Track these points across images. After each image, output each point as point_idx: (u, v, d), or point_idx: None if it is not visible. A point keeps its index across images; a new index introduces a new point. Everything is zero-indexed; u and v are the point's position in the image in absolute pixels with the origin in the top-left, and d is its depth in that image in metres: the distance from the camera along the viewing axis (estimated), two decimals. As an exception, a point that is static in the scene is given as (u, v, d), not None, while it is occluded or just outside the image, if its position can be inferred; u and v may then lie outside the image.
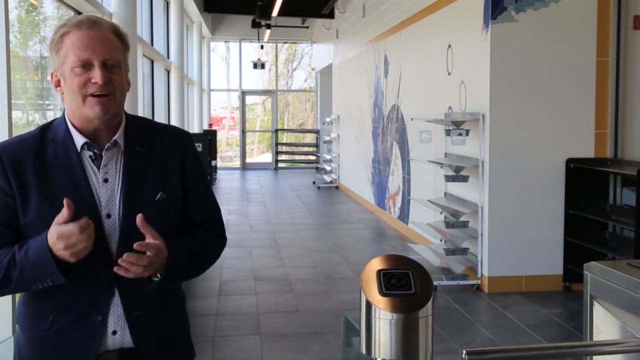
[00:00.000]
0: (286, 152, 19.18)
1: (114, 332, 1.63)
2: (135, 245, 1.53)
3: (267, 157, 19.60)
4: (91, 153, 1.64)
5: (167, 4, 11.33)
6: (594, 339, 1.55)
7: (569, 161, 5.66)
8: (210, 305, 5.17)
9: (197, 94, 15.55)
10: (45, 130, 1.68)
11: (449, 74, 6.70)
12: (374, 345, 1.05)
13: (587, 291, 1.57)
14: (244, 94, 18.78)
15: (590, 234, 5.58)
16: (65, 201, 1.51)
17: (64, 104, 1.66)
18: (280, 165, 18.63)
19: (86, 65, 1.58)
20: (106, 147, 1.64)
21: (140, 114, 6.46)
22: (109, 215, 1.63)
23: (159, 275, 1.61)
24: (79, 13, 5.47)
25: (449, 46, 6.71)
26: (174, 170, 1.71)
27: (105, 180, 1.64)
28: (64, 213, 1.51)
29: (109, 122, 1.64)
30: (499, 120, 5.69)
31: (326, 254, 7.34)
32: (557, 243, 5.71)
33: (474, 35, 5.96)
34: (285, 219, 9.90)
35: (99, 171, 1.64)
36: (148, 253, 1.54)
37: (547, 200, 5.71)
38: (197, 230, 1.75)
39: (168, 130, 1.79)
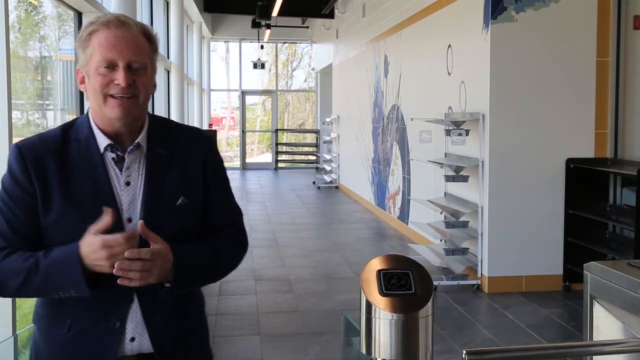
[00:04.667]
0: (286, 152, 19.18)
1: (132, 339, 1.61)
2: (126, 254, 1.49)
3: (267, 157, 19.59)
4: (114, 155, 1.62)
5: (167, 4, 11.33)
6: (594, 339, 1.55)
7: (569, 161, 5.66)
8: (211, 305, 5.18)
9: (197, 94, 15.55)
10: (67, 129, 1.65)
11: (449, 74, 6.70)
12: (374, 345, 1.05)
13: (587, 291, 1.57)
14: (244, 94, 18.78)
15: (590, 234, 5.58)
16: (105, 210, 1.50)
17: (89, 103, 1.64)
18: (280, 165, 18.63)
19: (111, 66, 1.56)
20: (129, 149, 1.62)
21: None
22: (130, 220, 1.60)
23: (169, 281, 1.58)
24: (79, 13, 5.47)
25: (449, 46, 6.71)
26: (195, 174, 1.68)
27: (127, 184, 1.62)
28: (105, 222, 1.49)
29: (130, 124, 1.61)
30: (499, 120, 5.69)
31: (326, 254, 7.34)
32: (557, 243, 5.71)
33: (474, 35, 5.96)
34: (285, 219, 9.90)
35: (121, 174, 1.62)
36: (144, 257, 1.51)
37: (547, 200, 5.71)
38: (215, 235, 1.71)
39: (190, 132, 1.76)
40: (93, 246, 1.48)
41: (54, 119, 5.77)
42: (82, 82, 1.63)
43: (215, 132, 15.42)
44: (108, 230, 1.51)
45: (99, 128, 1.62)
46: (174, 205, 1.63)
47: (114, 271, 1.49)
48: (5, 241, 1.57)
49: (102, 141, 1.61)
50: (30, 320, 1.67)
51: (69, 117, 5.73)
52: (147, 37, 1.62)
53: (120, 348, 1.59)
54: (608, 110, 5.71)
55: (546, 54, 5.67)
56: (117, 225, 1.55)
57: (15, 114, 4.52)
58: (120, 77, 1.55)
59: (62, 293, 1.54)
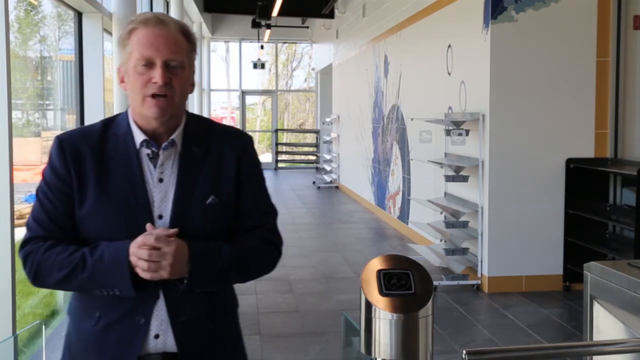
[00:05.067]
0: (286, 152, 19.18)
1: (157, 336, 1.60)
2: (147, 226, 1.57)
3: (267, 157, 19.58)
4: (149, 151, 1.63)
5: (167, 4, 11.33)
6: (594, 339, 1.55)
7: (569, 161, 5.66)
8: (210, 305, 5.14)
9: (197, 94, 15.55)
10: (108, 124, 1.68)
11: (449, 74, 6.70)
12: (374, 345, 1.05)
13: (587, 291, 1.57)
14: (244, 94, 18.78)
15: (590, 234, 5.58)
16: (148, 226, 1.58)
17: (128, 101, 1.67)
18: (280, 165, 18.63)
19: (148, 64, 1.57)
20: (163, 146, 1.63)
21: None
22: (160, 216, 1.62)
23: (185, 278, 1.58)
24: (79, 13, 5.47)
25: (449, 46, 6.71)
26: (228, 173, 1.68)
27: (160, 180, 1.63)
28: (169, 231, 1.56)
29: (167, 122, 1.63)
30: (499, 120, 5.69)
31: (326, 254, 7.34)
32: (557, 243, 5.71)
33: (474, 35, 5.96)
34: (285, 218, 9.90)
35: (155, 170, 1.63)
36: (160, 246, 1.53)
37: (547, 200, 5.71)
38: (244, 235, 1.70)
39: (227, 132, 1.76)
40: (141, 248, 1.53)
41: (54, 119, 5.78)
42: (122, 80, 1.65)
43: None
44: (139, 227, 1.56)
45: (137, 125, 1.64)
46: (204, 204, 1.63)
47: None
48: (45, 231, 1.60)
49: (139, 137, 1.64)
50: (30, 321, 1.67)
51: (69, 117, 5.72)
52: (185, 36, 1.64)
53: (144, 345, 1.60)
54: (608, 110, 5.71)
55: (546, 54, 5.67)
56: (147, 222, 1.59)
57: (15, 114, 4.52)
58: (157, 75, 1.57)
59: (105, 291, 1.57)
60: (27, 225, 1.64)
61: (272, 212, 1.78)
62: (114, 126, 1.67)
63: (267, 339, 4.56)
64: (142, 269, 1.52)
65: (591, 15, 5.66)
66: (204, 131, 1.71)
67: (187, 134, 1.67)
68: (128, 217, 1.59)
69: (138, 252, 1.52)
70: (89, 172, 1.60)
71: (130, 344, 1.59)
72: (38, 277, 1.60)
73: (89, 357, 1.63)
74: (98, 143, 1.63)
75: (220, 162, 1.68)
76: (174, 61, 1.59)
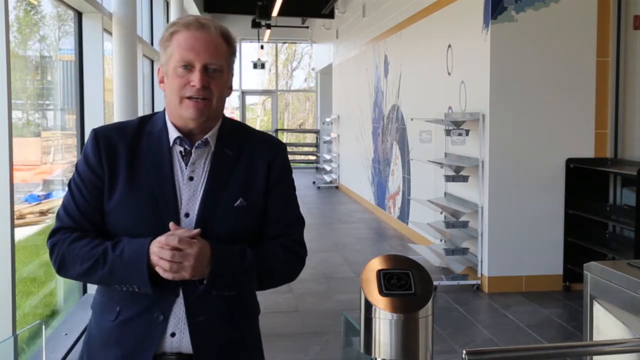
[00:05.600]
0: (286, 152, 19.17)
1: (173, 334, 1.60)
2: (170, 225, 1.57)
3: (267, 157, 19.59)
4: (182, 149, 1.65)
5: (167, 4, 11.33)
6: (594, 339, 1.55)
7: (569, 161, 5.66)
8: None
9: (197, 94, 15.55)
10: (145, 121, 1.71)
11: (449, 74, 6.70)
12: (374, 345, 1.05)
13: (587, 291, 1.57)
14: (244, 94, 18.78)
15: (590, 234, 5.58)
16: (171, 225, 1.57)
17: (165, 101, 1.69)
18: (280, 165, 18.62)
19: (188, 67, 1.59)
20: (196, 144, 1.64)
21: (140, 113, 6.46)
22: (187, 215, 1.62)
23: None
24: (79, 13, 5.47)
25: (449, 46, 6.71)
26: (258, 178, 1.68)
27: (190, 179, 1.64)
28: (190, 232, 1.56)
29: (203, 124, 1.64)
30: (499, 120, 5.69)
31: (326, 254, 7.34)
32: (557, 243, 5.71)
33: (474, 35, 5.96)
34: (285, 219, 9.89)
35: (186, 168, 1.64)
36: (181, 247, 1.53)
37: (547, 200, 5.71)
38: (269, 243, 1.69)
39: (261, 138, 1.76)
40: (162, 247, 1.53)
41: (54, 119, 5.78)
42: (162, 81, 1.67)
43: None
44: (164, 223, 1.57)
45: (173, 124, 1.66)
46: (232, 206, 1.63)
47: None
48: (73, 222, 1.62)
49: (173, 134, 1.65)
50: (30, 321, 1.67)
51: (69, 117, 5.72)
52: (225, 40, 1.65)
53: (161, 342, 1.60)
54: (608, 110, 5.71)
55: (546, 54, 5.67)
56: (173, 219, 1.59)
57: (16, 114, 4.52)
58: (196, 78, 1.58)
59: (124, 286, 1.59)
60: (57, 215, 1.66)
61: (299, 222, 1.77)
62: (150, 123, 1.69)
63: (267, 339, 4.54)
64: (164, 269, 1.52)
65: (591, 16, 5.66)
66: (238, 135, 1.73)
67: (220, 136, 1.69)
68: (154, 213, 1.60)
69: (160, 252, 1.52)
70: (121, 166, 1.62)
71: (148, 340, 1.60)
72: (62, 268, 1.62)
73: (108, 352, 1.64)
74: (133, 138, 1.65)
75: (251, 166, 1.68)
76: (213, 65, 1.60)
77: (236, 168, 1.67)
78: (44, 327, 2.93)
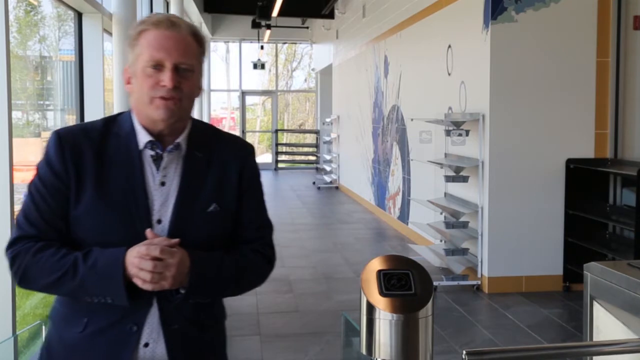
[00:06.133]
0: (286, 153, 19.17)
1: (146, 345, 1.56)
2: (146, 232, 1.51)
3: (267, 158, 19.58)
4: (153, 153, 1.59)
5: (167, 4, 11.33)
6: (594, 339, 1.55)
7: (569, 161, 5.66)
8: (210, 305, 5.14)
9: (197, 94, 15.54)
10: (110, 122, 1.63)
11: (449, 74, 6.70)
12: (374, 345, 1.05)
13: (587, 291, 1.57)
14: (244, 94, 18.78)
15: (590, 234, 5.58)
16: (148, 232, 1.51)
17: (130, 102, 1.62)
18: (280, 165, 18.63)
19: (158, 67, 1.54)
20: (168, 149, 1.60)
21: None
22: (159, 221, 1.57)
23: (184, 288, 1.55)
24: (79, 13, 5.47)
25: (449, 46, 6.71)
26: (230, 182, 1.65)
27: (162, 184, 1.59)
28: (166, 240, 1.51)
29: (173, 125, 1.59)
30: (499, 121, 5.69)
31: (326, 254, 7.34)
32: (557, 243, 5.71)
33: (474, 35, 5.96)
34: (285, 219, 9.89)
35: (157, 173, 1.59)
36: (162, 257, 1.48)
37: (547, 200, 5.71)
38: (242, 248, 1.66)
39: (230, 140, 1.73)
40: (135, 259, 1.47)
41: (54, 119, 5.78)
42: (129, 82, 1.61)
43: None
44: (135, 230, 1.51)
45: (142, 125, 1.60)
46: (205, 212, 1.60)
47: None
48: (36, 231, 1.54)
49: (143, 137, 1.59)
50: (30, 321, 1.66)
51: (69, 117, 5.72)
52: (196, 39, 1.60)
53: (134, 354, 1.55)
54: (608, 111, 5.71)
55: (546, 54, 5.67)
56: (145, 226, 1.54)
57: (16, 114, 4.52)
58: (166, 78, 1.53)
59: (96, 298, 1.51)
60: (17, 222, 1.56)
61: (269, 226, 1.76)
62: (116, 125, 1.62)
63: (267, 339, 4.56)
64: (144, 280, 1.47)
65: (591, 16, 5.66)
66: (208, 138, 1.68)
67: (191, 139, 1.64)
68: (125, 219, 1.53)
69: (141, 262, 1.46)
70: (88, 170, 1.55)
71: (121, 352, 1.54)
72: (25, 280, 1.54)
73: None
74: (99, 141, 1.58)
75: (223, 170, 1.65)
76: (184, 64, 1.56)
77: (208, 172, 1.63)
78: (44, 327, 2.93)
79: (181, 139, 1.62)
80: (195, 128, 1.67)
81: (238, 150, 1.71)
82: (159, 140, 1.60)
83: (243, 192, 1.67)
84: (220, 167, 1.65)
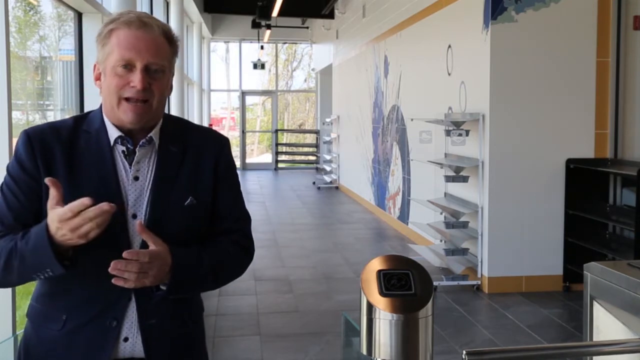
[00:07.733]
0: (286, 153, 19.18)
1: (126, 339, 1.56)
2: (123, 254, 1.45)
3: (267, 158, 19.59)
4: (124, 148, 1.58)
5: (167, 4, 11.33)
6: (594, 339, 1.55)
7: (569, 161, 5.66)
8: (211, 305, 5.15)
9: (197, 95, 15.55)
10: (79, 120, 1.62)
11: (449, 74, 6.70)
12: (374, 345, 1.05)
13: (587, 291, 1.57)
14: (244, 94, 18.78)
15: (590, 234, 5.58)
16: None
17: (101, 99, 1.60)
18: (280, 165, 18.63)
19: (128, 66, 1.52)
20: (140, 143, 1.58)
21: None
22: (134, 216, 1.56)
23: (165, 284, 1.54)
24: (79, 13, 5.47)
25: (449, 46, 6.71)
26: (206, 175, 1.64)
27: (136, 178, 1.58)
28: (56, 195, 1.42)
29: (143, 124, 1.58)
30: (499, 121, 5.69)
31: (326, 254, 7.34)
32: (557, 243, 5.71)
33: (474, 35, 5.96)
34: (285, 219, 9.90)
35: (130, 168, 1.58)
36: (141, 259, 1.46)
37: (547, 200, 5.71)
38: (220, 240, 1.66)
39: (204, 133, 1.72)
40: (53, 223, 1.41)
41: (54, 119, 5.77)
42: (98, 78, 1.59)
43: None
44: (111, 225, 1.46)
45: (111, 121, 1.59)
46: (182, 205, 1.59)
47: (110, 270, 1.44)
48: (6, 228, 1.53)
49: (113, 133, 1.58)
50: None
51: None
52: (168, 39, 1.59)
53: (115, 348, 1.55)
54: (608, 111, 5.71)
55: (546, 54, 5.67)
56: (120, 221, 1.53)
57: (16, 114, 4.52)
58: (136, 79, 1.52)
59: (40, 274, 1.48)
60: None
61: (246, 217, 1.75)
62: (85, 123, 1.61)
63: (267, 339, 4.56)
64: (127, 280, 1.45)
65: (591, 16, 5.66)
66: (181, 131, 1.68)
67: (164, 132, 1.63)
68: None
69: (127, 265, 1.44)
70: (59, 167, 1.53)
71: (102, 347, 1.54)
72: None
73: None
74: (68, 139, 1.57)
75: (198, 163, 1.64)
76: (155, 65, 1.54)
77: (183, 165, 1.62)
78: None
79: (153, 133, 1.61)
80: (167, 122, 1.66)
81: (212, 142, 1.70)
82: (129, 135, 1.59)
83: (219, 184, 1.67)
84: (195, 160, 1.64)
